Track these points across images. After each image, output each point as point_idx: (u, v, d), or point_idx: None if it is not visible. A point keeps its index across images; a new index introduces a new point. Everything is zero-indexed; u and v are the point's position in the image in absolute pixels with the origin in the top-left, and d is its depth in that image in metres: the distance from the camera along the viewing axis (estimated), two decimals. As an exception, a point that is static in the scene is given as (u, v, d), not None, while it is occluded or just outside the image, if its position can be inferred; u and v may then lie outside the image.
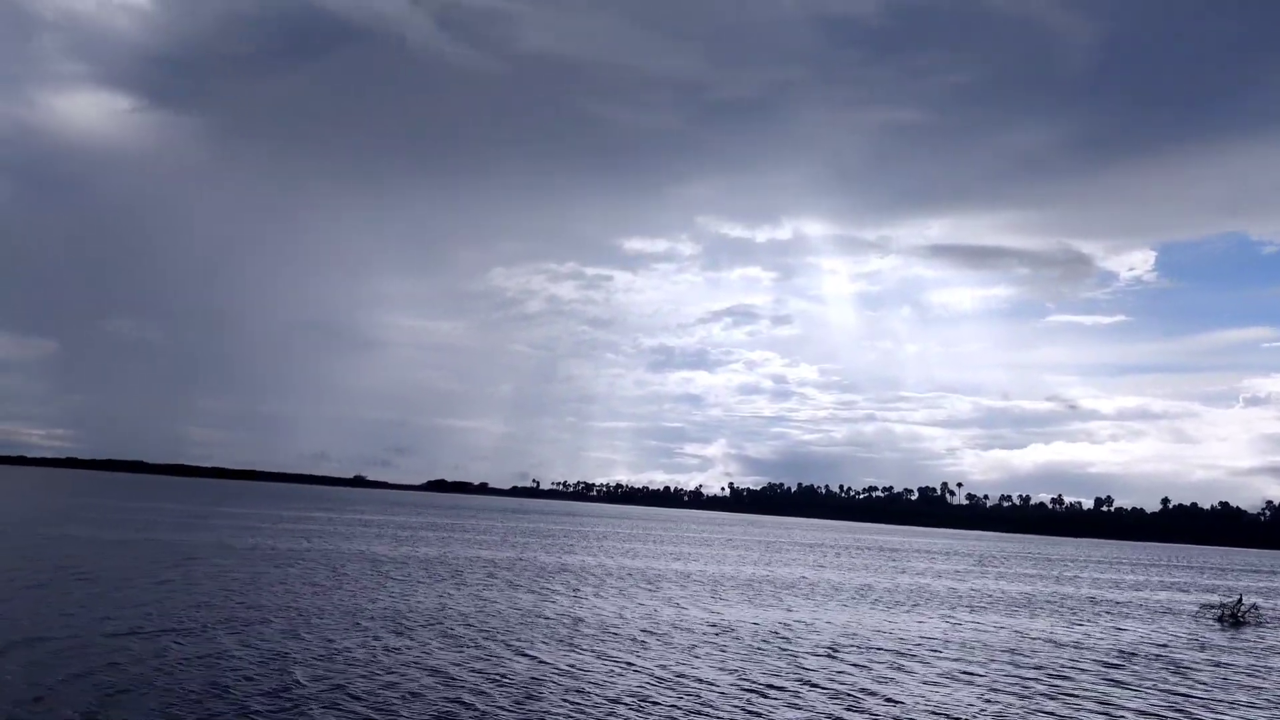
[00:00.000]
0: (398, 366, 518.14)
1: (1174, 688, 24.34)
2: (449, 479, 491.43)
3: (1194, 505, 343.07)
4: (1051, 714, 19.96)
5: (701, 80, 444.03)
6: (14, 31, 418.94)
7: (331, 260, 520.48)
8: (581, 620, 28.93)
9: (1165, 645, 33.32)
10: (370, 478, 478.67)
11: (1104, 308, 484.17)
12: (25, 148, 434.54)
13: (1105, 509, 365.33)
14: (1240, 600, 46.75)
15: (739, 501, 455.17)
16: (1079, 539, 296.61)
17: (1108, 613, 44.97)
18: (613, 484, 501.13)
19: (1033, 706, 20.55)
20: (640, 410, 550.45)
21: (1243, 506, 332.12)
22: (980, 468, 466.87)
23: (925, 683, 22.47)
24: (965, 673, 24.27)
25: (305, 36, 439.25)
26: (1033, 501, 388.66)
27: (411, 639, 23.52)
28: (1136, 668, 27.38)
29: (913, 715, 18.87)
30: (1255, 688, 25.28)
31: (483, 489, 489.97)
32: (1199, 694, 23.73)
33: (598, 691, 18.93)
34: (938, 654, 27.18)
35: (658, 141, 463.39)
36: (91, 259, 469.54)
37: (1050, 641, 31.98)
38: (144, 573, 33.12)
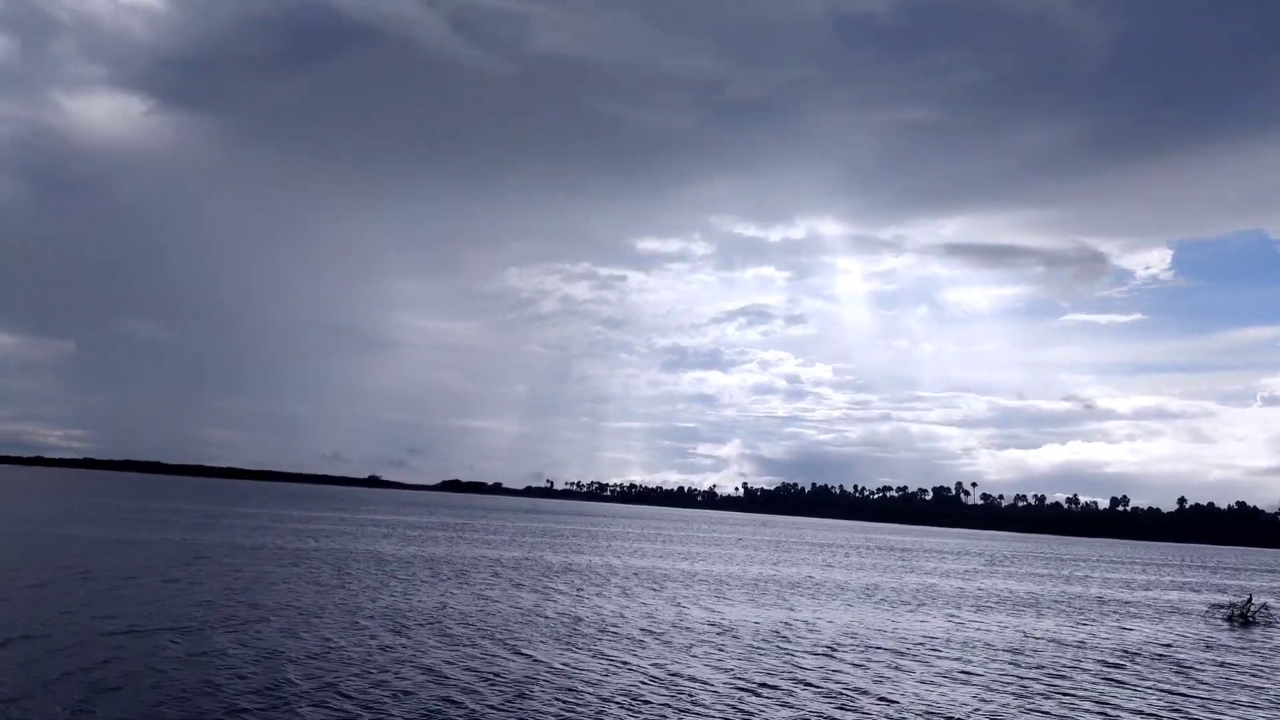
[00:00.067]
0: (412, 367, 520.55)
1: (1174, 688, 24.19)
2: (463, 479, 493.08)
3: (1211, 505, 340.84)
4: (1047, 713, 19.87)
5: (715, 80, 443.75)
6: (31, 35, 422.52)
7: (346, 261, 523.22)
8: (581, 620, 28.95)
9: (1170, 645, 33.11)
10: (385, 478, 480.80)
11: (1120, 306, 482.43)
12: (41, 150, 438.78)
13: (1121, 509, 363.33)
14: (1250, 600, 46.39)
15: (753, 502, 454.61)
16: (1094, 539, 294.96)
17: (1115, 613, 44.70)
18: (627, 484, 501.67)
19: (1029, 706, 20.46)
20: (654, 410, 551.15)
21: (1260, 506, 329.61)
22: (996, 467, 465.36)
23: (922, 682, 22.39)
24: (964, 672, 24.18)
25: (318, 38, 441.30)
26: (1048, 501, 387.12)
27: (408, 638, 23.59)
28: (1138, 667, 27.22)
29: (906, 714, 18.81)
30: (1257, 688, 25.10)
31: (496, 489, 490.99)
32: (1199, 694, 23.57)
33: (590, 690, 18.95)
34: (938, 653, 27.08)
35: (671, 141, 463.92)
36: (108, 260, 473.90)
37: (1054, 641, 31.82)
38: (149, 572, 33.30)
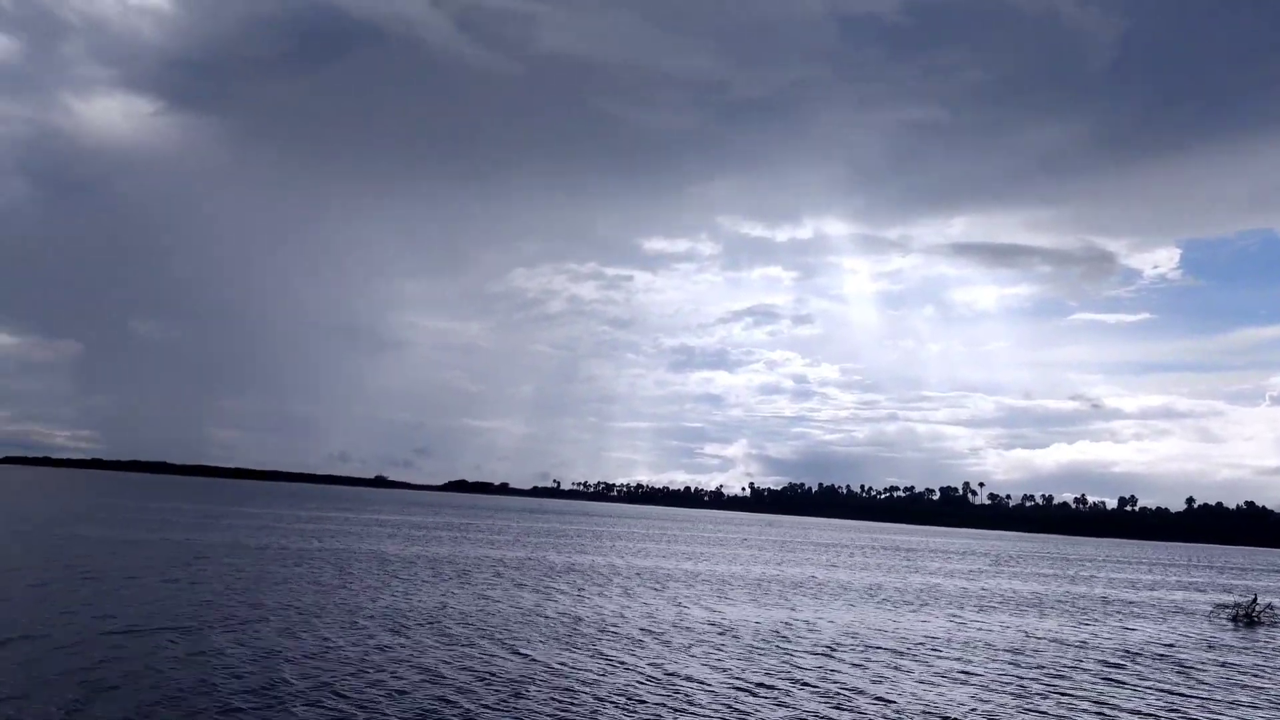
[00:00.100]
0: (419, 367, 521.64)
1: (1173, 687, 24.12)
2: (470, 479, 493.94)
3: (1219, 505, 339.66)
4: (1045, 713, 19.82)
5: (721, 80, 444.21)
6: (40, 36, 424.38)
7: (352, 261, 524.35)
8: (581, 620, 28.96)
9: (1172, 645, 33.00)
10: (391, 478, 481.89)
11: (1128, 306, 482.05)
12: (49, 151, 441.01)
13: (1129, 509, 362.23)
14: (1255, 600, 46.24)
15: (759, 502, 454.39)
16: (1101, 539, 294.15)
17: (1119, 613, 44.57)
18: (633, 484, 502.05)
19: (1026, 705, 20.41)
20: (661, 410, 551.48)
21: (1269, 506, 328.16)
22: (1003, 467, 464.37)
23: (920, 682, 22.35)
24: (963, 672, 24.14)
25: (325, 39, 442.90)
26: (1055, 501, 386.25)
27: (406, 637, 23.62)
28: (1138, 667, 27.14)
29: (903, 714, 18.78)
30: (1258, 688, 25.01)
31: (503, 489, 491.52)
32: (1199, 694, 23.49)
33: (586, 690, 18.95)
34: (938, 653, 27.03)
35: (677, 141, 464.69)
36: (115, 261, 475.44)
37: (1055, 641, 31.73)
38: (151, 571, 33.39)
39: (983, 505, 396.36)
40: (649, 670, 21.43)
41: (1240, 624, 42.57)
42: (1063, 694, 22.05)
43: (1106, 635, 34.66)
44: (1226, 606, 46.47)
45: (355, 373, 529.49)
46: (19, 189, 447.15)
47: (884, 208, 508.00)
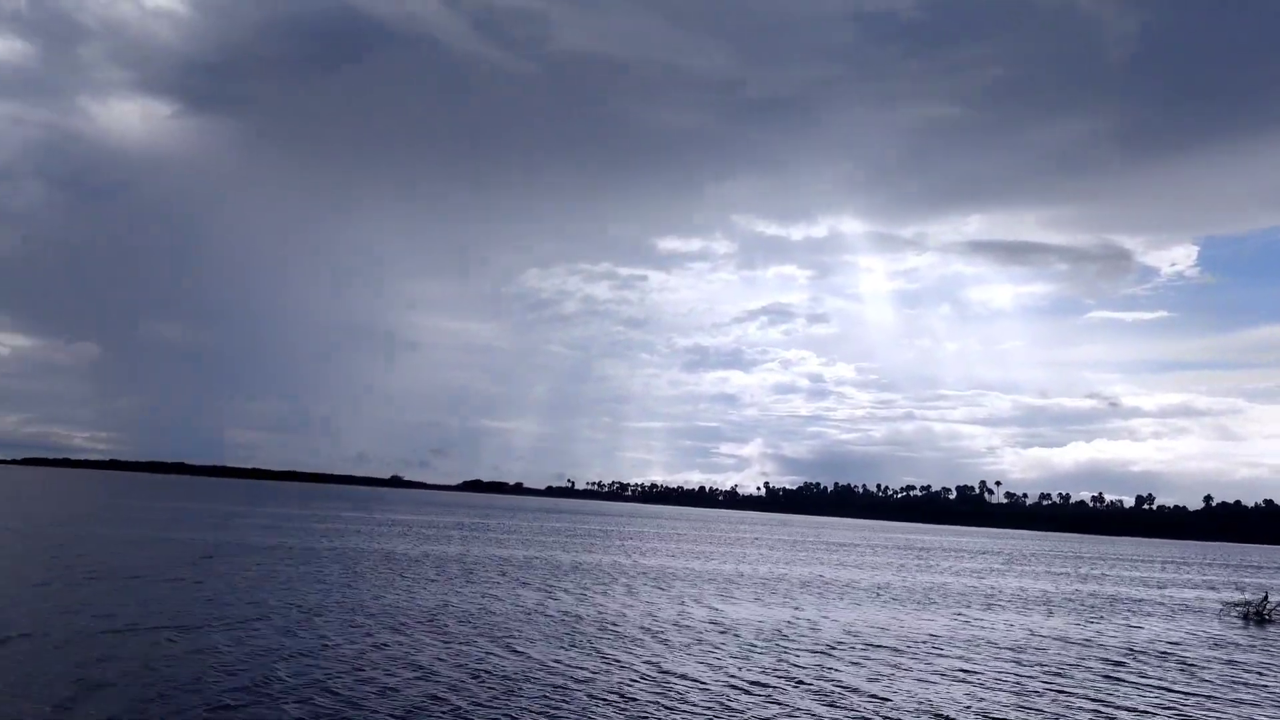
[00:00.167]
0: (435, 368, 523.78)
1: (1173, 685, 23.95)
2: (485, 479, 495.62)
3: (1238, 503, 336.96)
4: (1040, 710, 19.70)
5: (736, 78, 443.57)
6: (58, 40, 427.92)
7: (369, 262, 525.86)
8: (581, 618, 28.99)
9: (1178, 643, 32.78)
10: (407, 478, 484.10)
11: (1145, 304, 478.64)
12: (68, 154, 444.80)
13: (1147, 507, 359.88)
14: (1266, 597, 45.88)
15: (775, 501, 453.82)
16: (1119, 538, 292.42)
17: (1128, 611, 44.29)
18: (648, 484, 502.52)
19: (1023, 703, 20.31)
20: (675, 410, 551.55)
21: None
22: (1020, 466, 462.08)
23: (918, 680, 22.27)
24: (962, 670, 24.04)
25: (341, 40, 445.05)
26: (1073, 500, 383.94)
27: (404, 636, 23.70)
28: (1141, 665, 26.96)
29: (897, 712, 18.72)
30: (1260, 686, 24.80)
31: (518, 489, 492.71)
32: (1199, 692, 23.31)
33: (578, 688, 18.97)
34: (939, 652, 26.92)
35: (692, 140, 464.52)
36: (132, 263, 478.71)
37: (1059, 639, 31.56)
38: (156, 571, 33.62)
39: (1000, 504, 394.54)
40: (644, 669, 21.43)
41: (1251, 622, 42.26)
42: (1060, 692, 21.94)
43: (1112, 634, 34.45)
44: (1237, 605, 46.13)
45: (372, 374, 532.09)
46: (37, 192, 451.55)
47: (900, 206, 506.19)
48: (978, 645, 28.80)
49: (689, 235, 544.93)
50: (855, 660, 24.57)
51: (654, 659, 22.72)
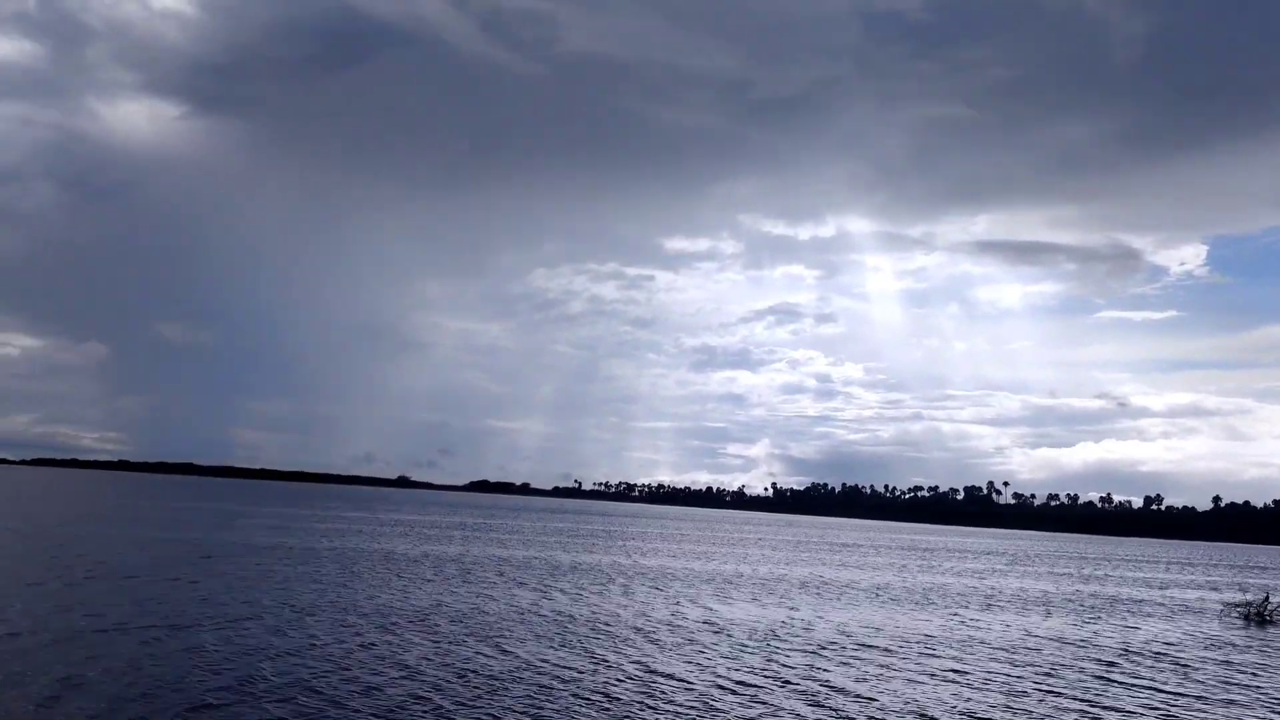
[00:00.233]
0: (442, 368, 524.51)
1: (1163, 685, 23.84)
2: (492, 479, 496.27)
3: (1247, 504, 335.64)
4: (1027, 711, 19.63)
5: (743, 78, 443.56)
6: (65, 42, 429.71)
7: (376, 263, 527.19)
8: (574, 618, 28.99)
9: (1174, 644, 32.64)
10: (414, 479, 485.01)
11: (1154, 303, 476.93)
12: (75, 155, 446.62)
13: (1155, 508, 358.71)
14: (1267, 598, 45.65)
15: (782, 502, 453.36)
16: (1127, 538, 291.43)
17: (1128, 611, 44.14)
18: (655, 484, 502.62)
19: (1011, 703, 20.23)
20: (682, 410, 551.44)
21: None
22: (1028, 466, 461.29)
23: (907, 680, 22.21)
24: (953, 670, 23.97)
25: (348, 41, 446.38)
26: (1081, 501, 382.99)
27: (394, 635, 23.73)
28: (1134, 666, 26.85)
29: (883, 712, 18.68)
30: (1254, 687, 24.68)
31: (525, 489, 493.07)
32: (1191, 692, 23.20)
33: (562, 688, 18.97)
34: (931, 652, 26.85)
35: (699, 140, 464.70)
36: (141, 264, 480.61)
37: (1055, 640, 31.47)
38: (153, 570, 33.72)
39: (1008, 505, 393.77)
40: (631, 669, 21.42)
41: (1251, 623, 42.07)
42: (1049, 692, 21.86)
43: (1109, 634, 34.33)
44: (1238, 605, 45.90)
45: (379, 374, 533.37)
46: (45, 193, 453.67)
47: (907, 205, 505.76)
48: (971, 646, 28.73)
49: (696, 235, 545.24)
50: (845, 661, 24.52)
51: (643, 659, 22.71)
